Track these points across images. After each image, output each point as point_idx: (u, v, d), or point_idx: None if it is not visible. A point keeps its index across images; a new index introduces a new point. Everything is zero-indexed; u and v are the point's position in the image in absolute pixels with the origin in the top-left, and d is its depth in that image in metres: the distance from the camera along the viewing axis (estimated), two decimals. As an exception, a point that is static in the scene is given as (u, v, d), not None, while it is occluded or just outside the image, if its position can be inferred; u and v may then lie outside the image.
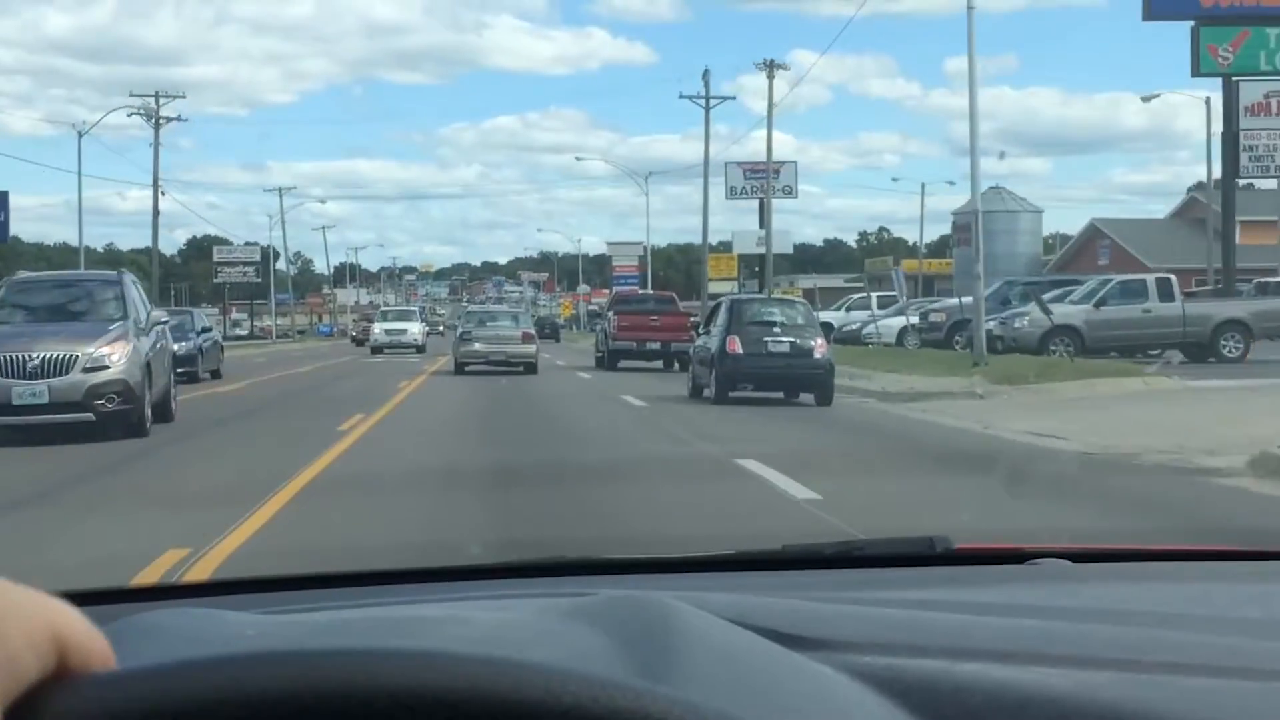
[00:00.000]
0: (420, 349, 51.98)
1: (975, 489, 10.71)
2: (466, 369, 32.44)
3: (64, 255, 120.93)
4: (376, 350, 51.32)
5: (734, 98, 64.59)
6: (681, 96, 57.77)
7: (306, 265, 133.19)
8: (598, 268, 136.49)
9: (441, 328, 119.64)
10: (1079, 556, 2.19)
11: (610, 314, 36.85)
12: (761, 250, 56.92)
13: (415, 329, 53.66)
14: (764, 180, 58.76)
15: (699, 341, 23.61)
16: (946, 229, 69.45)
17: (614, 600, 1.19)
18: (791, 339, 21.26)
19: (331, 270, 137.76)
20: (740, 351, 20.91)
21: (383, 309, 69.12)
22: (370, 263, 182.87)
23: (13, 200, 48.06)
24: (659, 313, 35.77)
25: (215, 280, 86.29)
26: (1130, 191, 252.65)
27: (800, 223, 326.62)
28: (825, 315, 40.99)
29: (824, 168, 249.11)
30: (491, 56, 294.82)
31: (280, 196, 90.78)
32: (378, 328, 54.44)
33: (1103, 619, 1.57)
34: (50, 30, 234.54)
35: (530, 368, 32.55)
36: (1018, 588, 1.90)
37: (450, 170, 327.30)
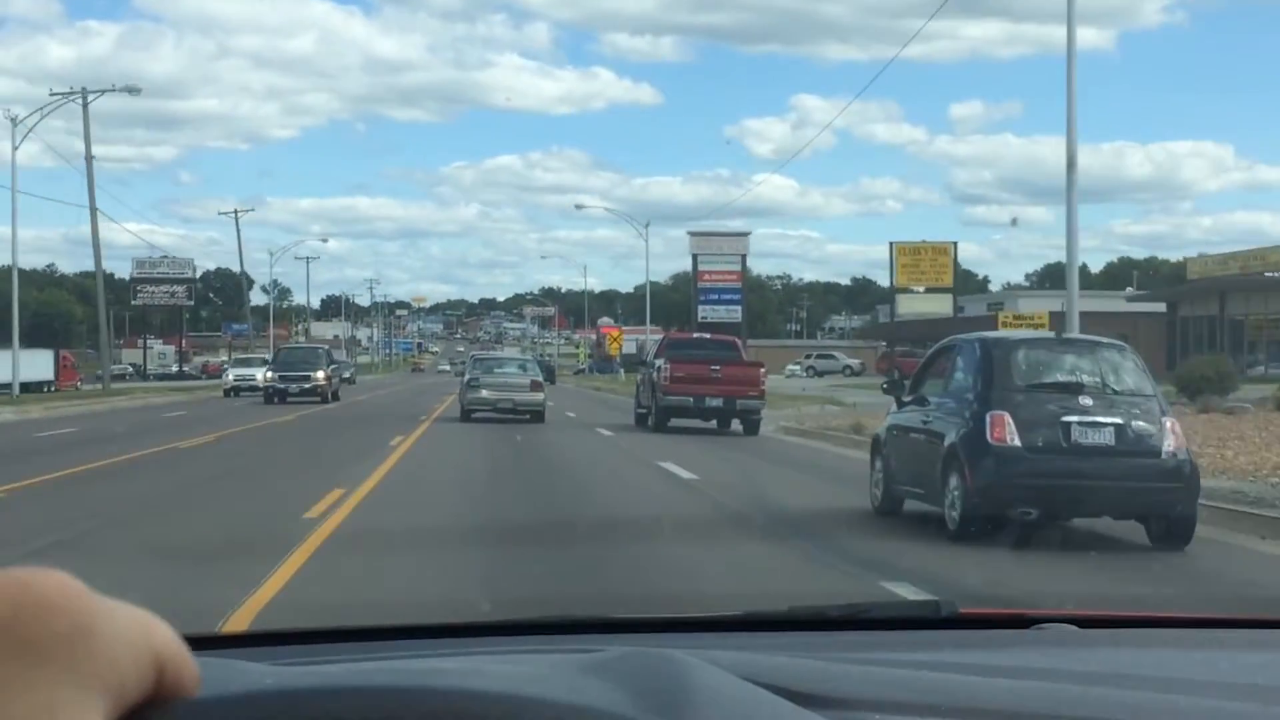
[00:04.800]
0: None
1: None
2: (473, 415, 31.41)
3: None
4: None
5: None
6: None
7: (284, 294, 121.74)
8: (605, 305, 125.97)
9: (425, 367, 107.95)
10: (1084, 622, 2.19)
11: (660, 362, 29.09)
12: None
13: None
14: None
15: (899, 415, 13.34)
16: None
17: (627, 655, 1.18)
18: (1116, 419, 11.17)
19: (320, 301, 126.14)
20: (1018, 444, 11.06)
21: None
22: (365, 298, 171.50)
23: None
24: (721, 361, 28.98)
25: (134, 302, 72.51)
26: (1132, 241, 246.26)
27: (800, 266, 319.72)
28: None
29: (824, 212, 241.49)
30: (494, 95, 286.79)
31: (84, 107, 54.07)
32: None
33: (1108, 683, 1.57)
34: (50, 62, 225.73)
35: (538, 416, 31.43)
36: (1024, 652, 1.92)
37: (450, 208, 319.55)
